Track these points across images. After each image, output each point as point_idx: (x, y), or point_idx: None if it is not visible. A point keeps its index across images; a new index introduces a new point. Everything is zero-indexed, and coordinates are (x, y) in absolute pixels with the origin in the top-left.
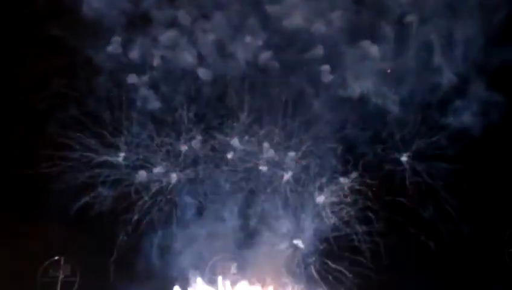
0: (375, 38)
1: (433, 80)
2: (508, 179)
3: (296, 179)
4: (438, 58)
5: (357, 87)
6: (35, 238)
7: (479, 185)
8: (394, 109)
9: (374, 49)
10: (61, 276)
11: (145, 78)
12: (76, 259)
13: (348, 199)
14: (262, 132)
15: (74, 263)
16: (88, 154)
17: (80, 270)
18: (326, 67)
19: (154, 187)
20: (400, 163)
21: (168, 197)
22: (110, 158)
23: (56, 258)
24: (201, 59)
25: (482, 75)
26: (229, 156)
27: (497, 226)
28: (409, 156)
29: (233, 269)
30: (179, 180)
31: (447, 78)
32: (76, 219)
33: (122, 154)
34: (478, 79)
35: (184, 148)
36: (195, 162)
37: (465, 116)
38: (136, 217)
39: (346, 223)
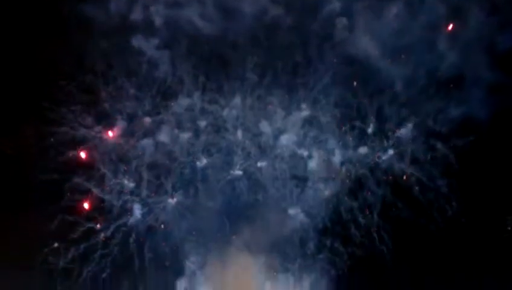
0: None
1: (438, 60)
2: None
3: (298, 144)
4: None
5: (369, 48)
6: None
7: (478, 168)
8: (399, 83)
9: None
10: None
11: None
12: (75, 245)
13: (343, 172)
14: (266, 94)
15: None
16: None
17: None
18: (341, 22)
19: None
20: (399, 140)
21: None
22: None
23: (56, 245)
24: (204, 15)
25: (489, 57)
26: (232, 118)
27: (495, 211)
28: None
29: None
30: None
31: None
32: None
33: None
34: (484, 61)
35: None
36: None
37: (469, 100)
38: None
39: (339, 198)
